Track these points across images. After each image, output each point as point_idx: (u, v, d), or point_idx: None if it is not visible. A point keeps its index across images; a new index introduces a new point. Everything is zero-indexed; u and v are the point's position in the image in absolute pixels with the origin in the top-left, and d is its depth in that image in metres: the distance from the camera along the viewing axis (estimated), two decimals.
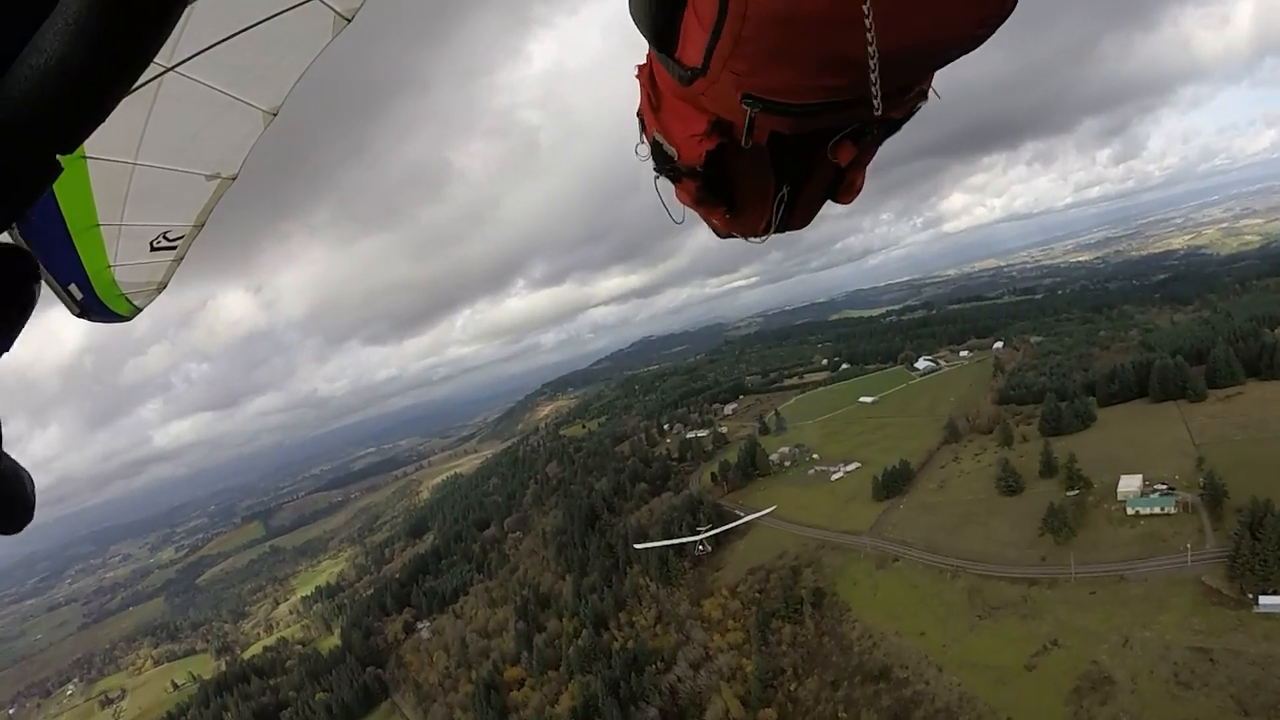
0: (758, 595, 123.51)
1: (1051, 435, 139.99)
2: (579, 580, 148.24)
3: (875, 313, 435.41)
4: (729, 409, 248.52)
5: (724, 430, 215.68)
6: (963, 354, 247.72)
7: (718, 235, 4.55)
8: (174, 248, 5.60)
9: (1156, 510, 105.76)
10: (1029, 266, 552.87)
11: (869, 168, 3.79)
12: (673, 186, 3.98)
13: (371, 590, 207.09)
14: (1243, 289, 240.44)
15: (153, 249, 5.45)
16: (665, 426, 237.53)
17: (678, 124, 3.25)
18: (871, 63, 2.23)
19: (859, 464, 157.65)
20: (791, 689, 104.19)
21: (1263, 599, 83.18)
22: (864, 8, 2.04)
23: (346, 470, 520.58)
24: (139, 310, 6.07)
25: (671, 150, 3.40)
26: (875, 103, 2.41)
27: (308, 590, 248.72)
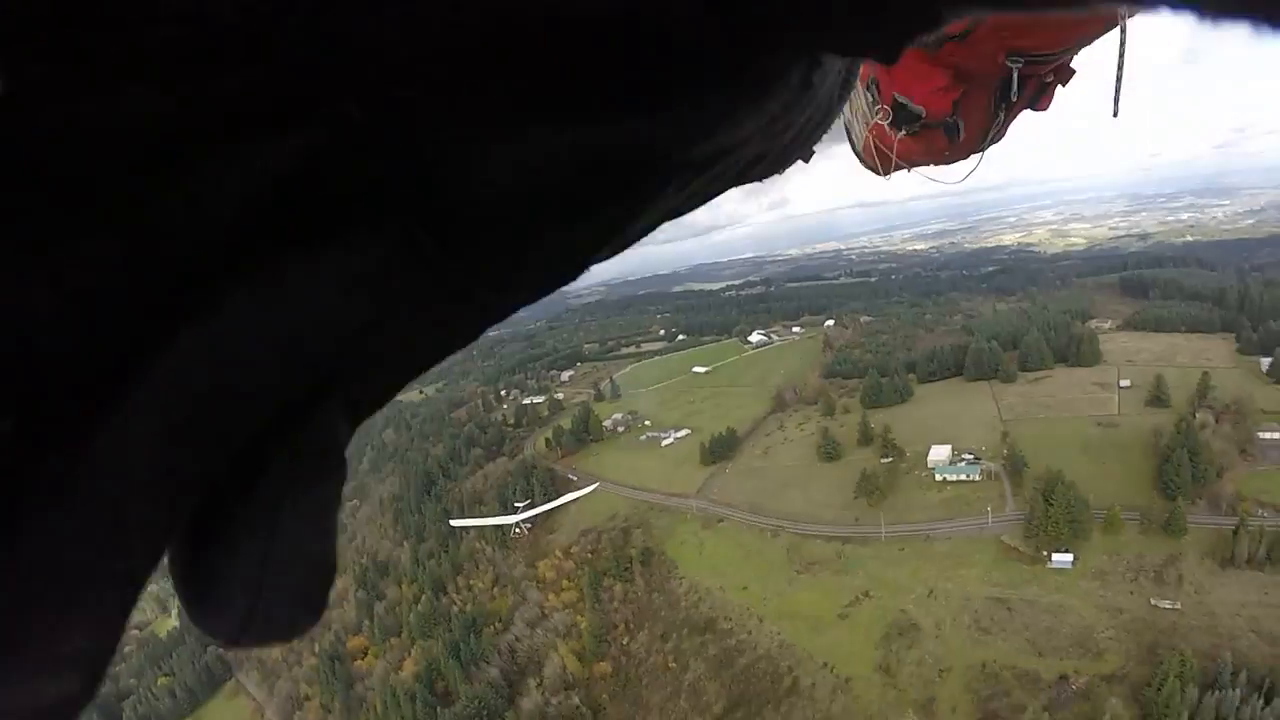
0: (590, 556, 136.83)
1: (871, 408, 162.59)
2: (416, 547, 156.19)
3: (716, 286, 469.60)
4: (566, 376, 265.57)
5: (560, 397, 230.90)
6: (795, 330, 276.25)
7: (906, 170, 5.57)
8: None
9: (962, 477, 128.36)
10: (868, 251, 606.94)
11: None
12: (870, 142, 5.07)
13: None
14: (1063, 285, 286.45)
15: None
16: (503, 393, 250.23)
17: (917, 83, 4.07)
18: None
19: (689, 431, 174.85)
20: (624, 643, 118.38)
21: (1055, 556, 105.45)
22: None
23: None
24: None
25: (918, 108, 4.24)
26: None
27: None
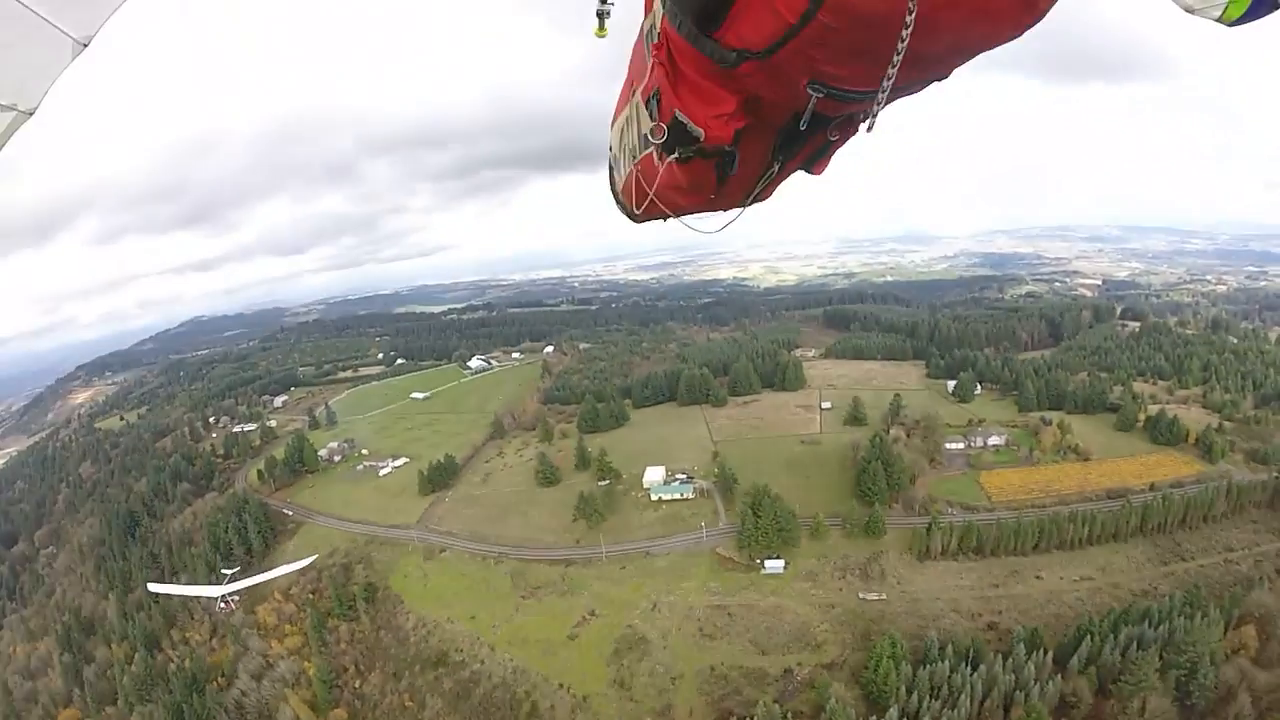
0: (311, 596, 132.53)
1: (589, 432, 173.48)
2: (123, 597, 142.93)
3: (438, 309, 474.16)
4: (279, 401, 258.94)
5: (273, 424, 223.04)
6: (515, 355, 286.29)
7: (661, 219, 6.05)
8: None
9: (676, 496, 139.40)
10: (590, 280, 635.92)
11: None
12: (632, 173, 5.46)
13: None
14: (773, 317, 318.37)
15: None
16: (211, 420, 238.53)
17: (701, 105, 4.05)
18: (896, 58, 3.06)
19: (407, 459, 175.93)
20: (357, 686, 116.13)
21: (767, 563, 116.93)
22: (938, 18, 2.88)
23: None
24: None
25: (697, 130, 4.19)
26: (880, 99, 3.54)
27: None
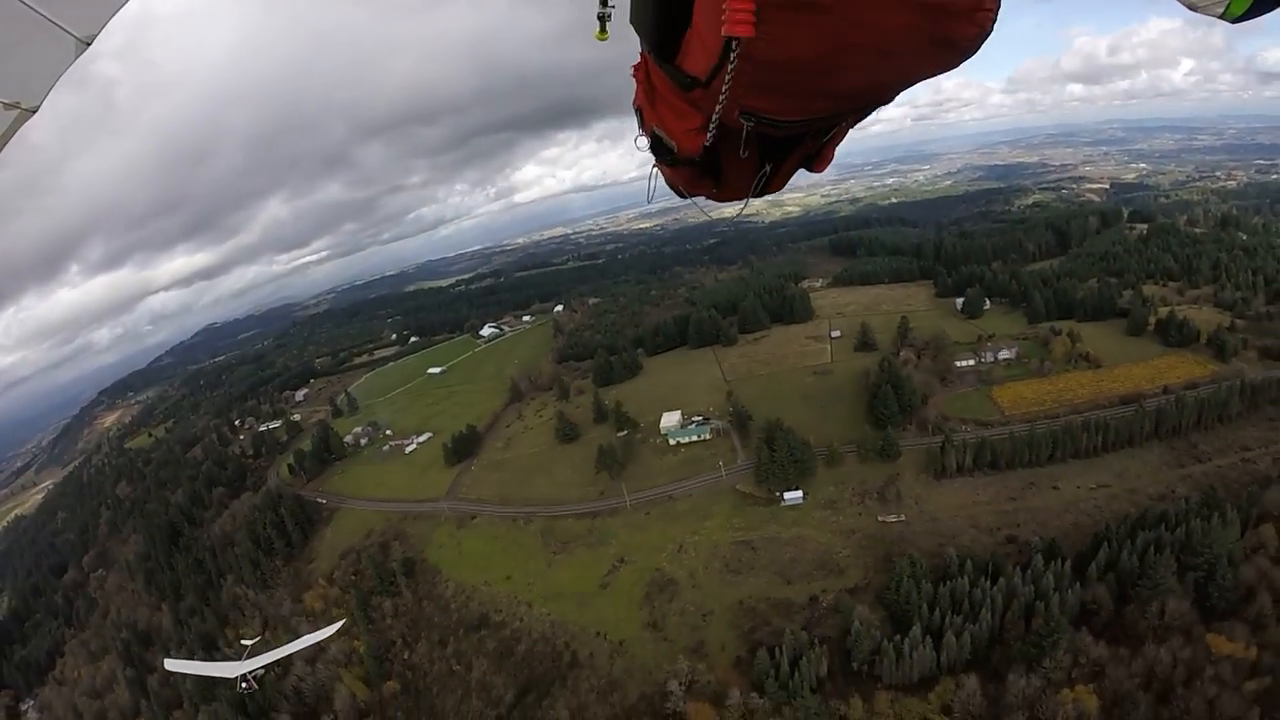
0: (354, 578, 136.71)
1: (603, 386, 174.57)
2: (176, 606, 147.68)
3: (445, 283, 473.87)
4: (300, 395, 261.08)
5: (297, 418, 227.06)
6: (525, 319, 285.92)
7: (681, 197, 5.89)
8: None
9: (694, 439, 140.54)
10: (595, 234, 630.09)
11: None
12: (657, 167, 5.32)
13: None
14: (779, 250, 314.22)
15: None
16: (237, 422, 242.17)
17: (674, 119, 4.30)
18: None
19: (431, 434, 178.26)
20: (406, 657, 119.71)
21: (786, 495, 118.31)
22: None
23: None
24: None
25: (671, 143, 4.50)
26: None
27: None
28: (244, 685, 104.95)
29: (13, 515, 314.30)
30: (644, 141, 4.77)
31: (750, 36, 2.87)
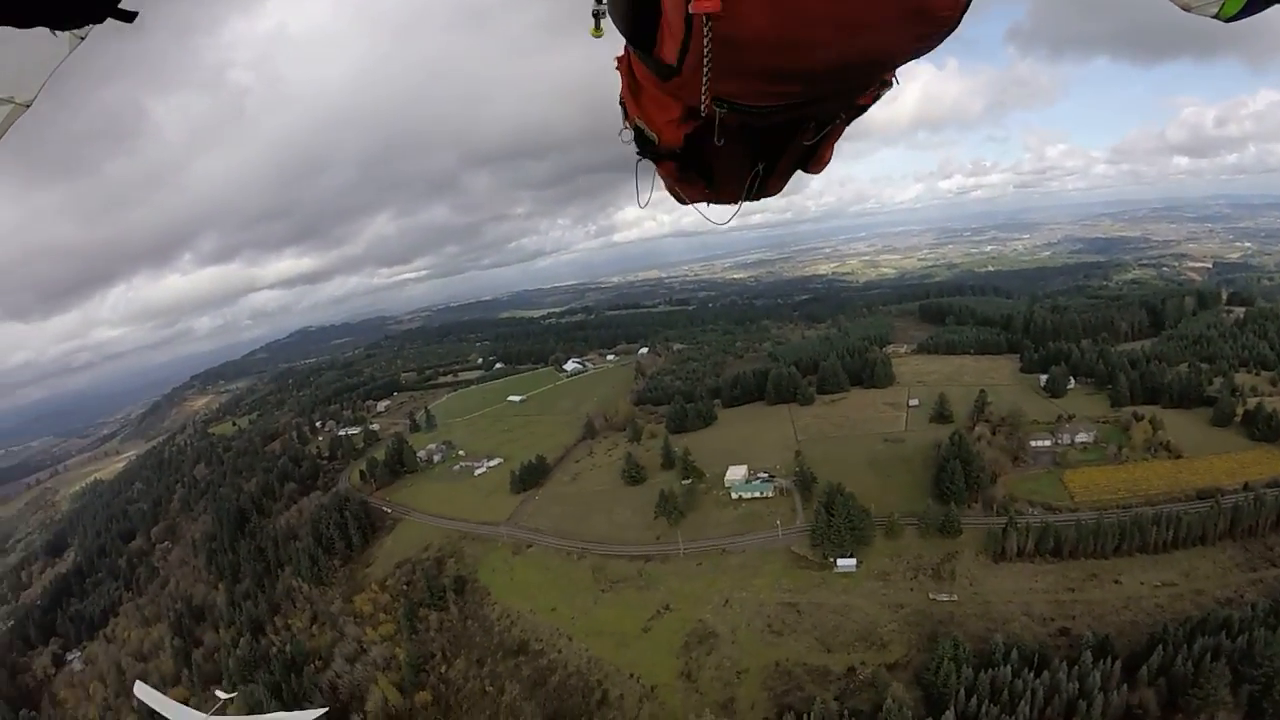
0: (405, 588, 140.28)
1: (676, 433, 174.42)
2: (232, 588, 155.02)
3: (537, 313, 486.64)
4: (382, 406, 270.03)
5: (375, 427, 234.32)
6: (610, 357, 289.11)
7: (680, 203, 5.86)
8: None
9: (756, 494, 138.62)
10: (689, 279, 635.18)
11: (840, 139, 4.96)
12: (654, 167, 5.18)
13: (11, 622, 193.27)
14: (869, 312, 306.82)
15: None
16: (318, 424, 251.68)
17: (656, 111, 4.23)
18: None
19: (501, 459, 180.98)
20: (442, 671, 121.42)
21: (840, 561, 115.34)
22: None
23: None
24: None
25: (653, 135, 4.44)
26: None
27: None
28: None
29: (92, 478, 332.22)
30: (628, 134, 4.72)
31: (715, 11, 2.79)
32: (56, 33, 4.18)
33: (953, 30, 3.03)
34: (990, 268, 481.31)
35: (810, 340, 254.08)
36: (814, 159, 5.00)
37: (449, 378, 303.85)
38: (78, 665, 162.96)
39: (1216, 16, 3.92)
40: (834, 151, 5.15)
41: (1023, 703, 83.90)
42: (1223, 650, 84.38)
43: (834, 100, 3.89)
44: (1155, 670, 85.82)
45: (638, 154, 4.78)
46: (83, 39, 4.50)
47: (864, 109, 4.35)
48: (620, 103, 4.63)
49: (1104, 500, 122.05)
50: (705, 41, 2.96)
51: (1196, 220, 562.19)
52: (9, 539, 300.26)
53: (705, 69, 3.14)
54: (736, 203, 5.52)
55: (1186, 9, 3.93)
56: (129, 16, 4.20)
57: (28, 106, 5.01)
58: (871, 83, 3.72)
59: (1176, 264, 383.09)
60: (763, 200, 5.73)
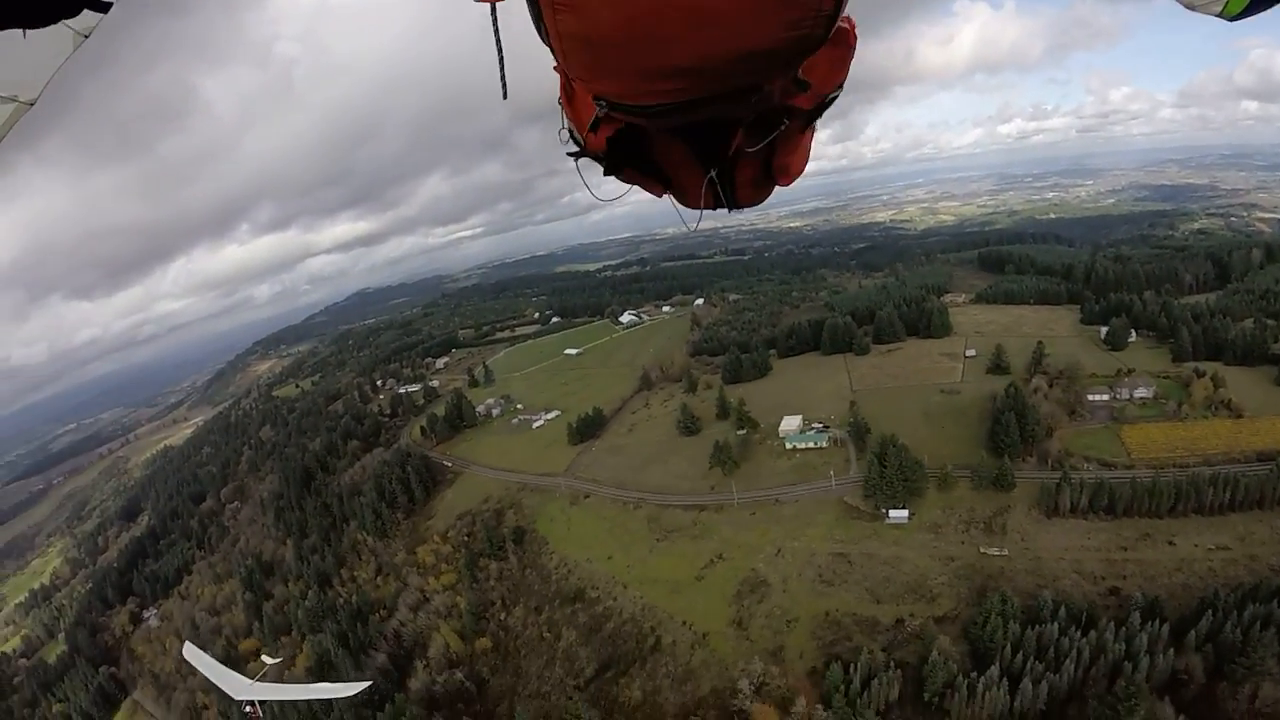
0: (466, 539, 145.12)
1: (731, 383, 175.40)
2: (299, 543, 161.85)
3: (593, 267, 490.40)
4: (441, 363, 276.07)
5: (435, 384, 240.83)
6: (665, 309, 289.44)
7: (655, 195, 5.46)
8: None
9: (810, 445, 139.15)
10: (744, 229, 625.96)
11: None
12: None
13: (90, 585, 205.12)
14: (927, 260, 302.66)
15: None
16: (378, 382, 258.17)
17: (584, 113, 4.04)
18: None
19: (559, 412, 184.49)
20: (502, 618, 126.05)
21: (892, 513, 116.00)
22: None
23: (45, 452, 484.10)
24: None
25: (580, 137, 4.34)
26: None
27: (20, 596, 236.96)
28: (248, 709, 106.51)
29: (162, 445, 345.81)
30: (565, 135, 4.57)
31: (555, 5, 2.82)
32: (60, 31, 4.29)
33: (835, 16, 2.90)
34: (1052, 215, 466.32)
35: (867, 289, 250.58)
36: (780, 169, 4.89)
37: (506, 333, 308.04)
38: (154, 622, 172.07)
39: (1220, 15, 3.95)
40: (807, 160, 5.09)
41: (1068, 661, 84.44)
42: (1273, 619, 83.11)
43: (731, 100, 3.49)
44: (1203, 636, 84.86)
45: (570, 154, 4.58)
46: (86, 37, 4.61)
47: (808, 113, 4.26)
48: (559, 103, 4.49)
49: (1161, 458, 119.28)
50: (558, 40, 3.01)
51: (1267, 169, 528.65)
52: (86, 506, 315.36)
53: (568, 68, 3.23)
54: (711, 209, 5.31)
55: (1191, 7, 3.92)
56: (104, 7, 4.26)
57: (31, 105, 5.07)
58: (764, 80, 3.42)
59: (1245, 214, 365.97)
60: (746, 210, 5.57)
